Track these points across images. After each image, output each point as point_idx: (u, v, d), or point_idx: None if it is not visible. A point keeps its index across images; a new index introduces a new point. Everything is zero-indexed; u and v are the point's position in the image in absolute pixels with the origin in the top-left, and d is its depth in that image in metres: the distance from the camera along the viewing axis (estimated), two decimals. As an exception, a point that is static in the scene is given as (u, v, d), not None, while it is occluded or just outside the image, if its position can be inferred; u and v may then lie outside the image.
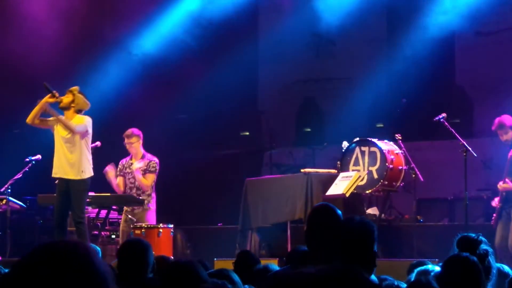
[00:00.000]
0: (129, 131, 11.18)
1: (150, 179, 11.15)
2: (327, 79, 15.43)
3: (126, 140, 11.20)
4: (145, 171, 11.16)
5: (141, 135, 11.23)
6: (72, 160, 9.86)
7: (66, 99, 9.95)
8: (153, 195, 11.32)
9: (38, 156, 11.27)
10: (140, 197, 11.10)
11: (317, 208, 4.58)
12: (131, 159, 11.27)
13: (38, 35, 14.03)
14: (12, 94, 13.63)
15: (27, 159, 11.29)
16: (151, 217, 11.10)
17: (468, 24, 13.48)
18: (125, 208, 11.14)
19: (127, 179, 11.23)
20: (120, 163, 11.33)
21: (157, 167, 11.21)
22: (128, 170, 11.23)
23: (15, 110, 13.69)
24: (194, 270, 4.09)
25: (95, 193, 10.81)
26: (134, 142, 11.16)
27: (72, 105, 9.93)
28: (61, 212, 9.84)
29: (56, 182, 9.95)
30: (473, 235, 4.66)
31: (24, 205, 11.91)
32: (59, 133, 9.95)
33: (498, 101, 13.20)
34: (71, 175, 9.83)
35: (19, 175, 11.30)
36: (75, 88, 10.01)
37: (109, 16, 14.70)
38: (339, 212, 4.45)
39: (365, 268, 3.93)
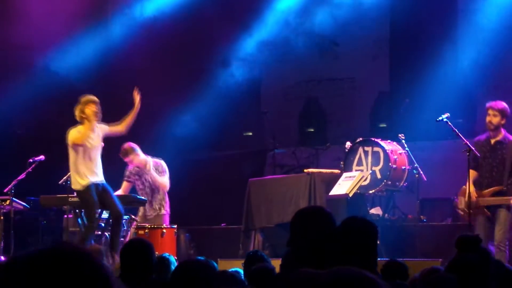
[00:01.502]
0: (123, 150, 11.22)
1: (164, 179, 11.28)
2: (330, 80, 15.43)
3: (124, 159, 11.28)
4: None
5: (135, 147, 11.24)
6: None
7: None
8: (167, 199, 11.42)
9: (41, 157, 11.27)
10: (153, 203, 11.21)
11: (301, 212, 4.54)
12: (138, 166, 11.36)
13: (40, 26, 14.03)
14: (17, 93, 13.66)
15: (31, 160, 11.29)
16: (165, 222, 11.17)
17: (472, 21, 13.47)
18: (139, 215, 11.30)
19: (136, 185, 11.35)
20: (127, 169, 11.40)
21: (164, 167, 11.30)
22: (136, 176, 11.33)
23: (19, 110, 13.73)
24: (202, 270, 4.10)
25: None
26: (133, 158, 11.21)
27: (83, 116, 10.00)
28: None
29: (86, 187, 9.94)
30: (472, 235, 4.66)
31: (27, 206, 11.92)
32: (96, 142, 9.99)
33: (501, 100, 13.19)
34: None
35: (22, 176, 11.31)
36: (90, 98, 10.03)
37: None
38: (328, 214, 4.41)
39: (367, 269, 3.92)
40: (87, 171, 9.98)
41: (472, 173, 9.50)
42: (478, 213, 9.39)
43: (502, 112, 9.42)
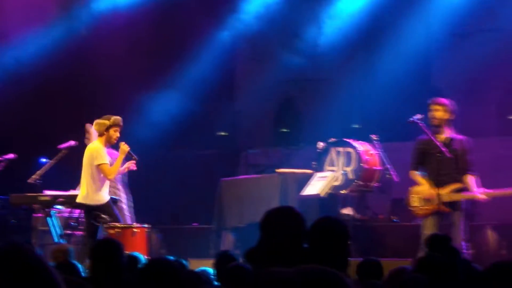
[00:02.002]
0: (88, 124, 10.97)
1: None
2: (305, 80, 15.42)
3: (86, 135, 10.97)
4: None
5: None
6: None
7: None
8: (120, 193, 11.09)
9: (12, 155, 11.16)
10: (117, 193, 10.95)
11: (270, 212, 4.52)
12: None
13: (11, 18, 13.92)
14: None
15: (0, 158, 11.18)
16: (126, 216, 10.93)
17: (444, 26, 13.54)
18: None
19: None
20: None
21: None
22: None
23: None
24: (171, 267, 4.07)
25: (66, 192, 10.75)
26: (92, 135, 10.94)
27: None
28: None
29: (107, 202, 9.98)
30: (442, 234, 4.67)
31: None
32: None
33: (472, 102, 13.26)
34: None
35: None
36: (120, 123, 10.05)
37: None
38: (298, 214, 4.39)
39: (339, 268, 3.93)
40: (106, 188, 10.07)
41: (413, 173, 9.54)
42: (432, 211, 9.35)
43: (443, 107, 9.43)
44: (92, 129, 10.47)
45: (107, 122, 9.89)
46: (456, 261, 4.39)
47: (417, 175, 9.51)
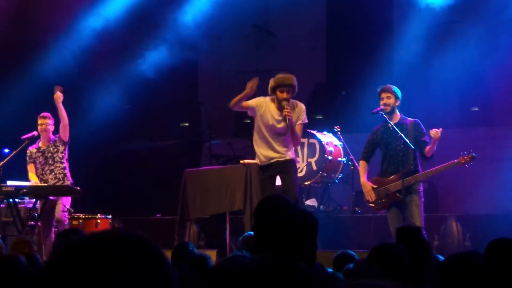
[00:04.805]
0: (45, 113, 10.85)
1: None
2: (267, 71, 15.42)
3: (40, 121, 10.84)
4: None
5: (53, 121, 10.87)
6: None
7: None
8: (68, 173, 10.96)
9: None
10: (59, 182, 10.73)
11: (266, 198, 4.55)
12: (38, 146, 10.92)
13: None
14: None
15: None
16: (66, 199, 10.68)
17: (408, 12, 13.62)
18: None
19: (39, 165, 10.92)
20: (28, 150, 11.03)
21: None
22: (40, 158, 10.88)
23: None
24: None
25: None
26: (49, 124, 10.82)
27: None
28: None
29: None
30: (413, 225, 4.70)
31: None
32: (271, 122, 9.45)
33: (432, 94, 13.37)
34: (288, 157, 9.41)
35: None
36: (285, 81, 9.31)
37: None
38: (291, 203, 4.43)
39: (306, 260, 3.94)
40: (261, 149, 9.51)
41: (363, 164, 9.55)
42: (389, 203, 9.38)
43: (395, 94, 9.52)
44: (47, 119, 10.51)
45: (272, 83, 9.28)
46: (428, 252, 4.42)
47: (361, 167, 9.56)
